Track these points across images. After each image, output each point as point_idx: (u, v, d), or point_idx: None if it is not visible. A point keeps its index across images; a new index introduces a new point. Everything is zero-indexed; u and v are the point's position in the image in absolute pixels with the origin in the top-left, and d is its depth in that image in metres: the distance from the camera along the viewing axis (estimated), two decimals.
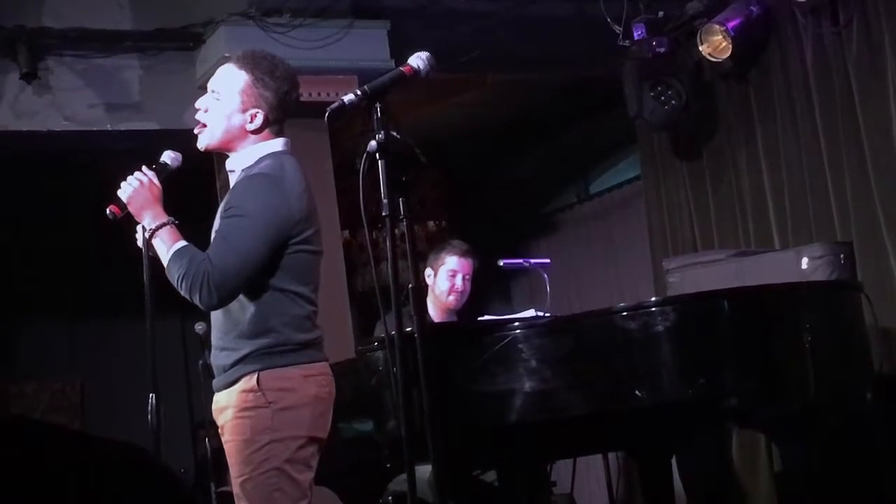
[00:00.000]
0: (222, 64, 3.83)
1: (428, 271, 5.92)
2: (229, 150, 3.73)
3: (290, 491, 3.55)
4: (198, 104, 3.74)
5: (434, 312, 5.91)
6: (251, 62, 3.71)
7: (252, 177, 3.63)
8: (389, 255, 3.22)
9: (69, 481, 1.28)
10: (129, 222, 3.77)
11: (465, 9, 6.77)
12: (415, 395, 3.31)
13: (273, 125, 3.70)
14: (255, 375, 3.55)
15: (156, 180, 3.73)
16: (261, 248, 3.56)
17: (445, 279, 5.88)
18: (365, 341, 5.49)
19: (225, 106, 3.68)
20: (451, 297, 5.89)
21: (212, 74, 3.82)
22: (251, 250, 3.55)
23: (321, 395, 3.62)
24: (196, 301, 3.58)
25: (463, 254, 5.94)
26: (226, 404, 3.62)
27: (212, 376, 3.78)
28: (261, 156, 3.67)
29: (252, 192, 3.60)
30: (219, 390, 3.68)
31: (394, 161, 3.22)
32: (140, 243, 3.76)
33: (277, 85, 3.69)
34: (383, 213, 3.22)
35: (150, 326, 3.79)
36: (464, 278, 5.92)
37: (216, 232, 3.65)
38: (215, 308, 3.62)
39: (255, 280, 3.58)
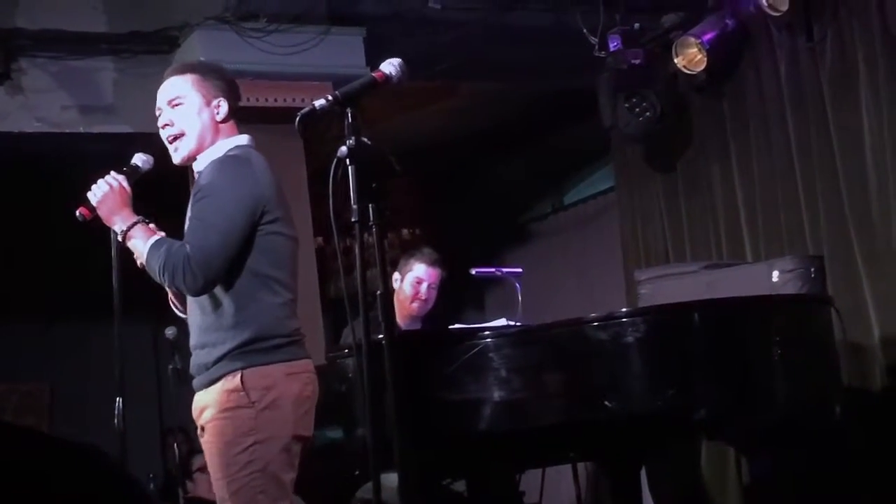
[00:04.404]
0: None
1: (396, 275, 5.91)
2: (203, 153, 3.75)
3: (274, 492, 3.54)
4: (161, 122, 3.76)
5: (397, 317, 5.90)
6: (188, 66, 3.90)
7: (218, 161, 3.67)
8: (358, 261, 3.21)
9: (23, 480, 1.28)
10: (102, 226, 3.77)
11: (441, 17, 6.77)
12: (384, 402, 3.30)
13: (234, 115, 3.79)
14: (239, 374, 3.54)
15: (125, 184, 3.73)
16: (237, 223, 3.56)
17: (410, 286, 5.88)
18: (335, 348, 5.48)
19: (190, 107, 3.74)
20: (414, 304, 5.87)
21: None
22: (228, 226, 3.56)
23: (304, 394, 3.62)
24: (182, 288, 3.57)
25: (431, 263, 5.93)
26: (206, 403, 3.61)
27: (182, 381, 3.76)
28: (227, 148, 3.70)
29: (220, 172, 3.63)
30: (199, 389, 3.66)
31: (364, 167, 3.22)
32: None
33: (221, 73, 3.85)
34: (353, 220, 3.22)
35: (118, 330, 3.77)
36: (429, 287, 5.91)
37: (190, 218, 3.65)
38: (202, 291, 3.59)
39: (231, 264, 3.57)
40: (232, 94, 3.80)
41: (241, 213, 3.57)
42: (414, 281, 5.88)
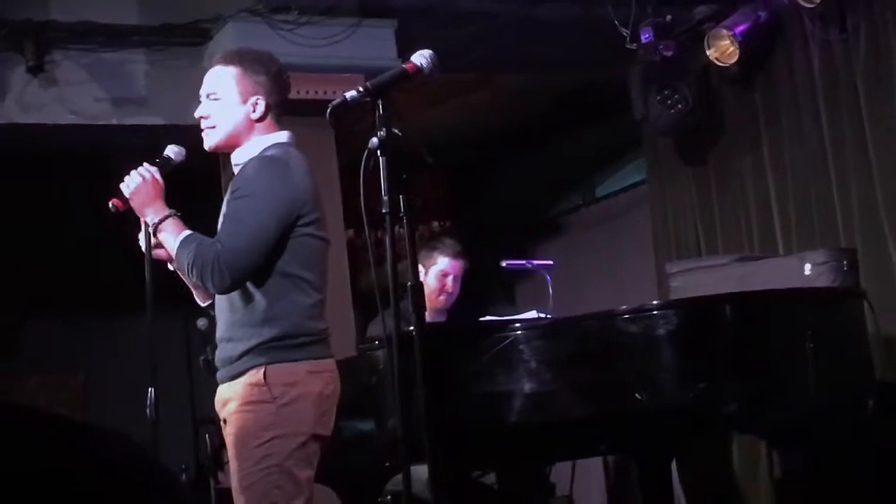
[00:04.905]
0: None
1: (419, 268, 5.90)
2: (236, 146, 3.75)
3: (289, 488, 3.54)
4: (198, 113, 3.76)
5: None
6: (235, 56, 3.80)
7: (258, 160, 3.66)
8: (389, 252, 3.22)
9: (53, 467, 1.29)
10: (133, 217, 3.79)
11: (472, 9, 6.77)
12: (415, 394, 3.31)
13: (275, 110, 3.74)
14: (263, 369, 3.55)
15: (158, 176, 3.75)
16: (270, 227, 3.57)
17: (436, 279, 5.84)
18: (365, 340, 5.49)
19: (226, 103, 3.71)
20: (442, 297, 5.85)
21: None
22: (261, 229, 3.56)
23: (326, 393, 3.62)
24: (209, 286, 3.59)
25: (455, 255, 5.90)
26: (229, 396, 3.62)
27: (213, 373, 3.78)
28: (266, 146, 3.70)
29: (258, 173, 3.62)
30: (223, 382, 3.68)
31: (395, 158, 3.22)
32: (142, 245, 3.77)
33: (267, 67, 3.76)
34: (383, 210, 3.22)
35: (150, 321, 3.79)
36: (454, 279, 5.89)
37: (224, 215, 3.66)
38: (229, 290, 3.61)
39: (263, 263, 3.58)
40: (275, 90, 3.74)
41: (274, 217, 3.58)
42: (440, 274, 5.86)
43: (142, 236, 3.79)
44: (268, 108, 3.72)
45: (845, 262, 5.49)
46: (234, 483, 3.62)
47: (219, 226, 3.70)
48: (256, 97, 3.71)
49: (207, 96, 3.76)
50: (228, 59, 3.78)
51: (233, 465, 3.62)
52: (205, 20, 6.59)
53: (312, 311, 3.65)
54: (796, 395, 4.66)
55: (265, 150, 3.69)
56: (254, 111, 3.71)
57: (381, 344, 4.62)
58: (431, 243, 6.08)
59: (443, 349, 4.16)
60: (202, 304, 3.88)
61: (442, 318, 5.91)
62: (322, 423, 3.62)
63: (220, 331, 3.71)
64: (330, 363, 3.67)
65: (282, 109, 3.78)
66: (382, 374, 4.57)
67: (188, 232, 3.65)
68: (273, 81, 3.75)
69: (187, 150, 3.89)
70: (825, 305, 4.98)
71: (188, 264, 3.58)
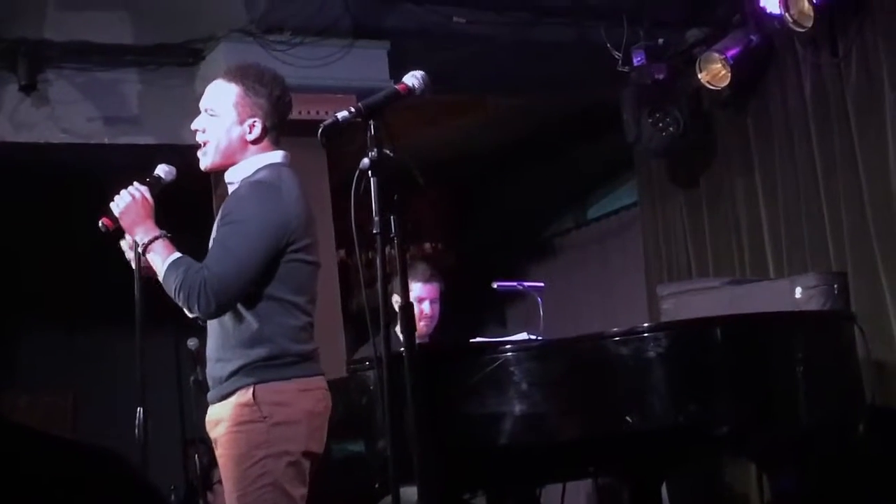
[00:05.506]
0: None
1: (395, 297, 5.87)
2: (230, 165, 3.75)
3: None
4: (195, 126, 3.76)
5: None
6: (239, 73, 3.76)
7: (249, 184, 3.65)
8: (379, 273, 3.22)
9: (42, 484, 1.28)
10: (125, 236, 3.78)
11: (465, 31, 6.78)
12: (405, 415, 3.30)
13: (271, 132, 3.73)
14: (251, 389, 3.54)
15: (148, 195, 3.74)
16: (259, 254, 3.56)
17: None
18: (356, 360, 5.48)
19: (222, 121, 3.70)
20: (422, 323, 5.78)
21: None
22: (249, 255, 3.56)
23: (317, 410, 3.62)
24: (195, 311, 3.58)
25: (427, 279, 5.86)
26: (220, 417, 3.62)
27: (203, 392, 3.77)
28: (259, 166, 3.69)
29: (249, 198, 3.62)
30: (213, 402, 3.67)
31: (386, 179, 3.22)
32: (128, 256, 3.77)
33: (269, 90, 3.73)
34: (374, 231, 3.22)
35: (140, 340, 3.78)
36: (431, 303, 5.85)
37: (213, 240, 3.66)
38: (214, 316, 3.61)
39: (251, 288, 3.58)
40: (274, 112, 3.71)
41: (263, 244, 3.57)
42: (415, 300, 5.80)
43: (123, 244, 3.78)
44: (265, 130, 3.71)
45: (836, 286, 5.50)
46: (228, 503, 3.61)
47: (209, 248, 3.70)
48: (254, 119, 3.70)
49: (206, 111, 3.75)
50: (231, 76, 3.75)
51: (227, 487, 3.61)
52: (197, 40, 6.59)
53: (301, 333, 3.65)
54: (787, 417, 4.65)
55: (258, 170, 3.68)
56: (250, 132, 3.70)
57: (371, 364, 4.62)
58: None
59: (433, 370, 4.15)
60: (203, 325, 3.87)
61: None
62: (314, 439, 3.62)
63: (210, 349, 3.71)
64: (320, 380, 3.67)
65: (280, 131, 3.77)
66: (373, 394, 4.56)
67: (177, 255, 3.64)
68: (273, 104, 3.72)
69: (179, 169, 3.88)
70: (816, 329, 4.98)
71: (175, 288, 3.57)
